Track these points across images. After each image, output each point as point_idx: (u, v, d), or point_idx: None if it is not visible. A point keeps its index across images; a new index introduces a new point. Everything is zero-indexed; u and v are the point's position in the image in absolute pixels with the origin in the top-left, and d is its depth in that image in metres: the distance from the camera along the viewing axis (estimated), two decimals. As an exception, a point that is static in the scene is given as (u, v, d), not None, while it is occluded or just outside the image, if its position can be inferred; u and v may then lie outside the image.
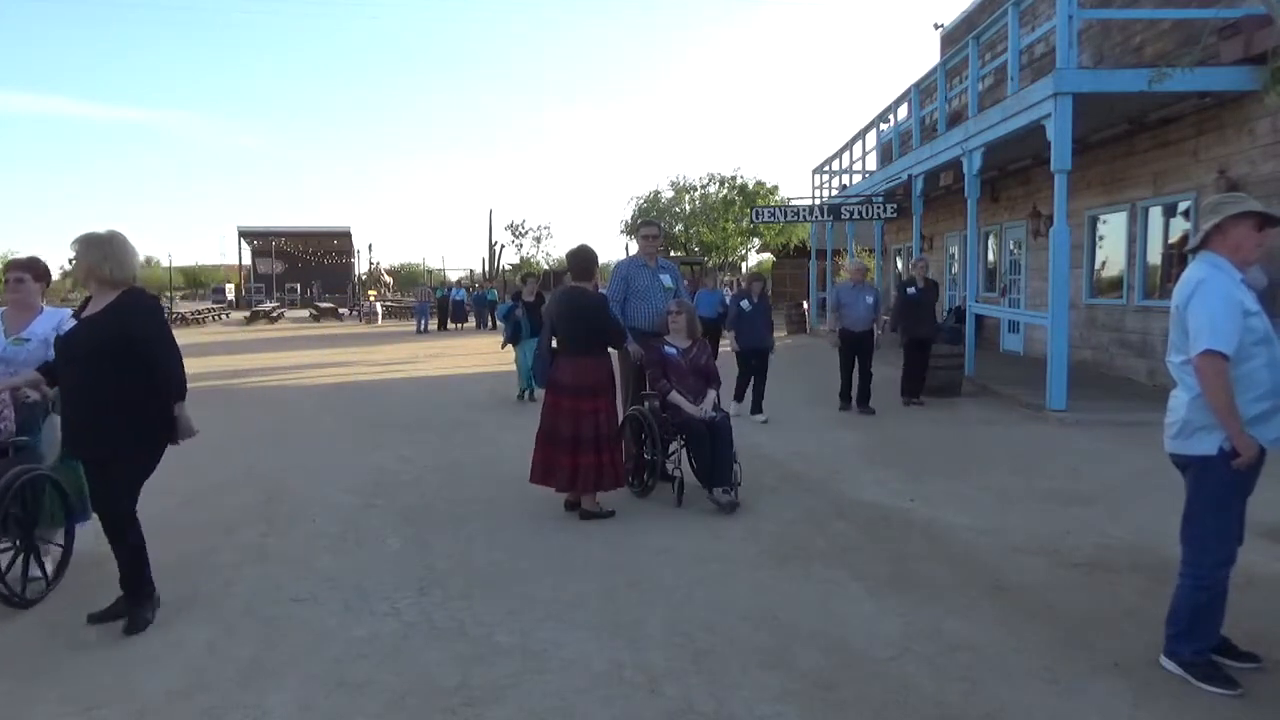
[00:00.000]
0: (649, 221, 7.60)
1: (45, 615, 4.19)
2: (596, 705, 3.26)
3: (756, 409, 9.51)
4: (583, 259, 5.96)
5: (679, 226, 37.52)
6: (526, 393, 11.28)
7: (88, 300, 4.10)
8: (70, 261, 4.14)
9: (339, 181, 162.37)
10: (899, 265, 23.69)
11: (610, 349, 5.99)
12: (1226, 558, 3.32)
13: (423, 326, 29.69)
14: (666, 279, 6.61)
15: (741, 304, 9.74)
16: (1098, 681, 3.39)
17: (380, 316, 38.08)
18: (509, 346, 11.82)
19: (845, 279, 10.96)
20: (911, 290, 10.50)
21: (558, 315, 5.89)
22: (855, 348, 10.08)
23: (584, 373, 5.69)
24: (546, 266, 42.63)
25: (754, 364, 9.62)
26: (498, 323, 12.84)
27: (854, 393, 10.09)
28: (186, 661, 3.66)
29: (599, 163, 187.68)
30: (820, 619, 4.03)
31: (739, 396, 9.57)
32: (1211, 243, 3.37)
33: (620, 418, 6.34)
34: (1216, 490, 3.29)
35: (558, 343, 5.89)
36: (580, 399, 5.64)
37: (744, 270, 39.87)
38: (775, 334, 13.13)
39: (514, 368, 11.80)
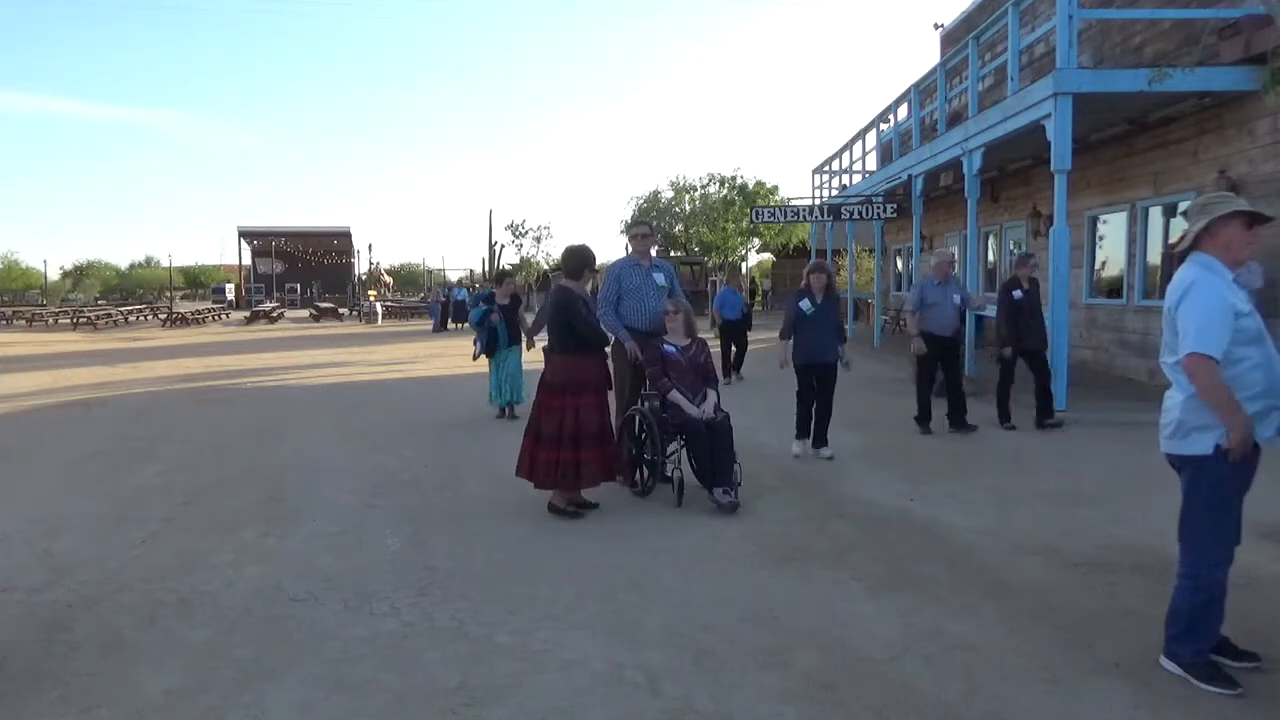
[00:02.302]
0: (640, 222, 7.62)
1: (44, 615, 4.19)
2: (596, 705, 3.26)
3: (820, 441, 7.58)
4: (571, 257, 6.01)
5: (679, 226, 37.49)
6: (506, 409, 9.87)
7: None
8: None
9: (339, 181, 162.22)
10: (898, 265, 23.69)
11: (605, 348, 6.01)
12: (1224, 558, 3.32)
13: (437, 325, 29.83)
14: (660, 278, 6.61)
15: (800, 305, 7.43)
16: (1098, 681, 3.39)
17: (380, 317, 38.06)
18: (484, 359, 10.17)
19: (929, 274, 9.00)
20: (1018, 293, 8.76)
21: (547, 313, 6.00)
22: (942, 355, 8.68)
23: (559, 370, 5.74)
24: (546, 267, 42.57)
25: (816, 383, 7.52)
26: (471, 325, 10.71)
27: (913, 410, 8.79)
28: (186, 661, 3.66)
29: (599, 163, 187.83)
30: (820, 619, 4.03)
31: (802, 431, 7.61)
32: (1201, 244, 3.38)
33: (617, 417, 6.35)
34: (1212, 490, 3.29)
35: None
36: (554, 396, 5.69)
37: (744, 270, 39.77)
38: (775, 332, 12.76)
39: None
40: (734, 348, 13.41)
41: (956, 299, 8.73)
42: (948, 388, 8.75)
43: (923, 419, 8.72)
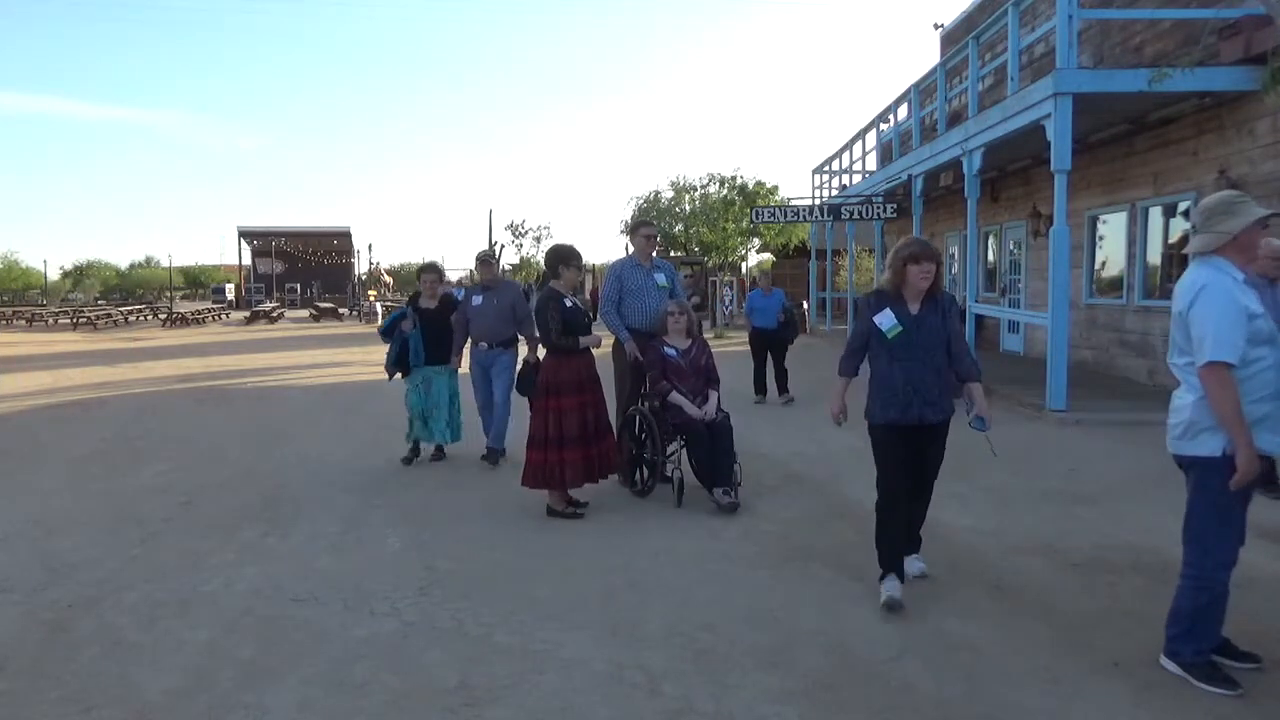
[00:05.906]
0: (647, 222, 7.61)
1: (44, 615, 4.19)
2: (596, 705, 3.26)
3: (912, 545, 4.58)
4: (549, 255, 6.03)
5: (679, 226, 37.45)
6: (416, 448, 7.60)
7: None
8: None
9: (339, 181, 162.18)
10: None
11: (596, 347, 6.01)
12: (1228, 559, 3.32)
13: None
14: (661, 278, 6.64)
15: (877, 321, 4.26)
16: (1098, 681, 3.39)
17: (380, 317, 38.04)
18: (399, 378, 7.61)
19: (1257, 269, 4.93)
20: None
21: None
22: None
23: (545, 370, 5.80)
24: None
25: (920, 452, 4.40)
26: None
27: None
28: (186, 661, 3.66)
29: (600, 162, 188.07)
30: (820, 619, 4.03)
31: (893, 556, 4.26)
32: (1222, 248, 3.34)
33: (617, 416, 6.36)
34: (1219, 491, 3.27)
35: None
36: (540, 397, 5.74)
37: (745, 270, 39.68)
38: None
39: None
40: (771, 363, 11.15)
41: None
42: None
43: (1270, 475, 5.54)
